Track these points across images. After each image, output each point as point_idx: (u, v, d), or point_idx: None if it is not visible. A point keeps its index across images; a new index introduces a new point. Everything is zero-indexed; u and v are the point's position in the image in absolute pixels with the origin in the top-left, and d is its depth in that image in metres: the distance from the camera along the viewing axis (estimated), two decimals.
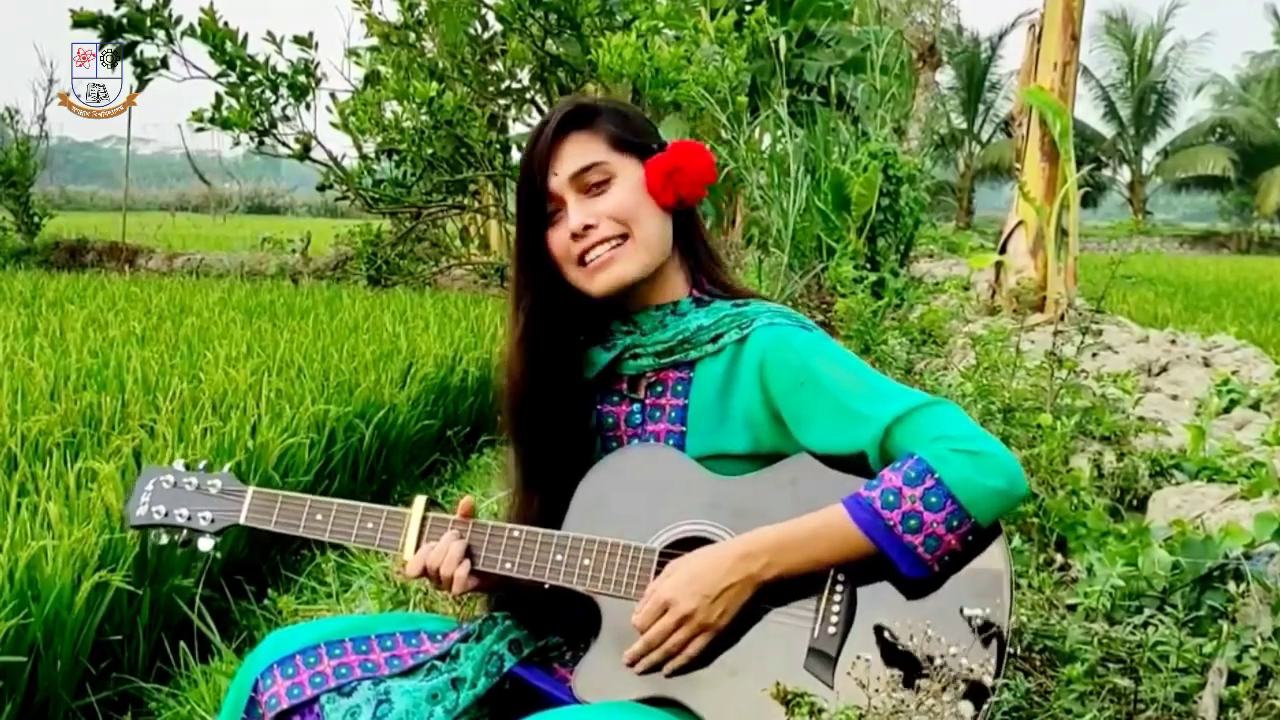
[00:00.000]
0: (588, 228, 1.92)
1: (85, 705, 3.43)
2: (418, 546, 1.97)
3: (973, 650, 1.63)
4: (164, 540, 2.11)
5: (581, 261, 1.94)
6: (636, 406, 2.01)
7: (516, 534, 1.94)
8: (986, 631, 1.67)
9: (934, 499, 1.70)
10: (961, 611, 1.69)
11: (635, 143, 1.97)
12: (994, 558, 1.75)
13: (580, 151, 1.94)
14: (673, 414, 1.97)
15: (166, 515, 2.08)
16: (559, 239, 1.95)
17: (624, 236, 1.93)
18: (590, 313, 2.01)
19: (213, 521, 2.07)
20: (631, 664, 1.80)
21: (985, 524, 1.73)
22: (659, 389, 1.99)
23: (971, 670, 1.60)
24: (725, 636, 1.79)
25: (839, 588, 1.76)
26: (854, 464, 1.80)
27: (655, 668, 1.80)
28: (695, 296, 2.01)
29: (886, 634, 1.70)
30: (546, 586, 1.92)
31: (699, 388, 1.95)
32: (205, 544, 2.09)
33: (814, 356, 1.87)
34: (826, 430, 1.83)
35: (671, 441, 1.96)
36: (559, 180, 1.93)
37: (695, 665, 1.79)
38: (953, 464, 1.71)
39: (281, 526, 2.04)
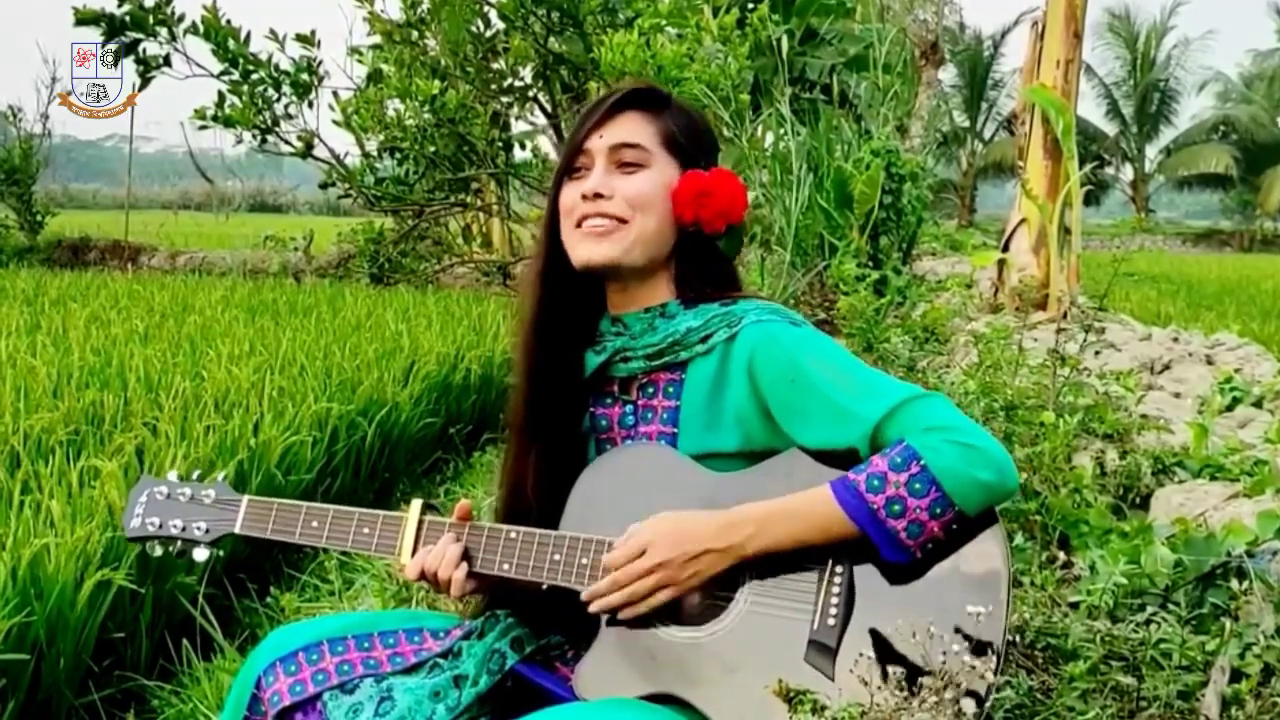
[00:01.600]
0: (598, 195, 1.93)
1: (88, 703, 3.43)
2: (415, 550, 1.97)
3: (974, 647, 1.63)
4: (158, 552, 2.11)
5: (579, 225, 1.95)
6: (629, 408, 2.01)
7: (514, 535, 1.94)
8: (987, 629, 1.67)
9: (918, 485, 1.71)
10: (962, 608, 1.68)
11: (685, 149, 1.99)
12: (993, 555, 1.75)
13: (631, 129, 1.96)
14: (664, 415, 1.97)
15: (161, 527, 2.08)
16: (571, 192, 1.97)
17: (624, 222, 1.93)
18: (586, 293, 2.02)
19: (207, 532, 2.08)
20: (590, 600, 1.83)
21: (970, 513, 1.73)
22: (650, 390, 1.99)
23: (973, 668, 1.60)
24: (707, 615, 1.81)
25: (837, 579, 1.77)
26: (847, 458, 1.80)
27: (612, 612, 1.82)
28: (683, 298, 2.00)
29: (888, 630, 1.70)
30: (545, 587, 1.92)
31: (690, 388, 1.95)
32: (200, 554, 2.09)
33: (803, 352, 1.87)
34: (817, 427, 1.83)
35: (663, 442, 1.96)
36: (599, 143, 1.96)
37: (651, 622, 1.82)
38: (940, 452, 1.72)
39: (276, 534, 2.04)
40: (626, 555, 1.81)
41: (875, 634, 1.72)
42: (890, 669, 1.64)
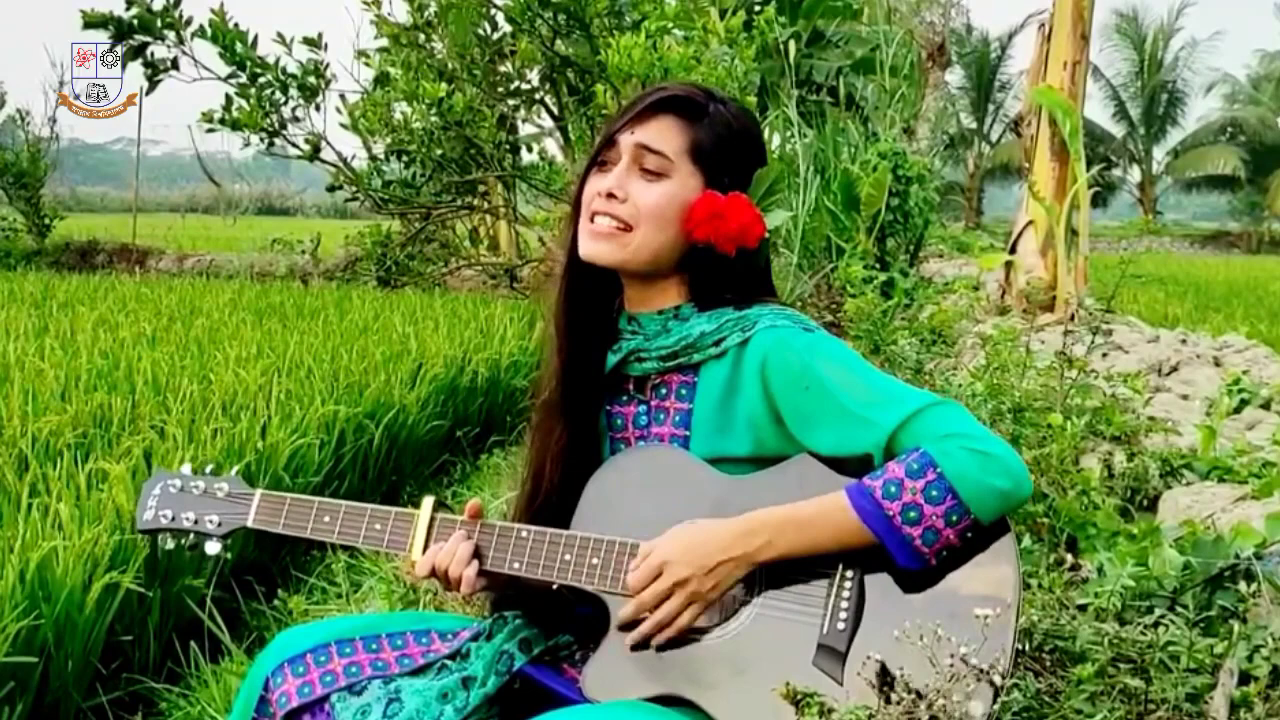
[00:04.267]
0: (611, 196, 1.93)
1: (96, 705, 3.43)
2: (426, 547, 1.97)
3: (982, 650, 1.63)
4: (170, 545, 2.11)
5: (592, 219, 1.95)
6: (642, 408, 2.01)
7: (524, 534, 1.94)
8: (995, 632, 1.67)
9: (935, 492, 1.70)
10: (971, 612, 1.68)
11: (712, 163, 1.95)
12: (1003, 560, 1.75)
13: (662, 134, 1.94)
14: (677, 418, 1.97)
15: (173, 519, 2.08)
16: (593, 184, 1.97)
17: (630, 228, 1.92)
18: (610, 282, 2.02)
19: (220, 525, 2.08)
20: (623, 628, 1.83)
21: (986, 522, 1.73)
22: (663, 391, 1.99)
23: (982, 671, 1.60)
24: (725, 624, 1.81)
25: (847, 583, 1.77)
26: (858, 463, 1.80)
27: (646, 641, 1.82)
28: (697, 301, 1.99)
29: (896, 633, 1.70)
30: (555, 586, 1.92)
31: (703, 391, 1.95)
32: (213, 547, 2.09)
33: (816, 358, 1.86)
34: (831, 433, 1.82)
35: (676, 445, 1.96)
36: (629, 139, 1.94)
37: (687, 643, 1.81)
38: (957, 459, 1.71)
39: (289, 529, 2.04)
40: (645, 577, 1.80)
41: (885, 638, 1.72)
42: (898, 672, 1.64)
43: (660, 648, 1.82)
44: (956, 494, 1.70)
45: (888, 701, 1.61)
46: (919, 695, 1.60)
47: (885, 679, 1.67)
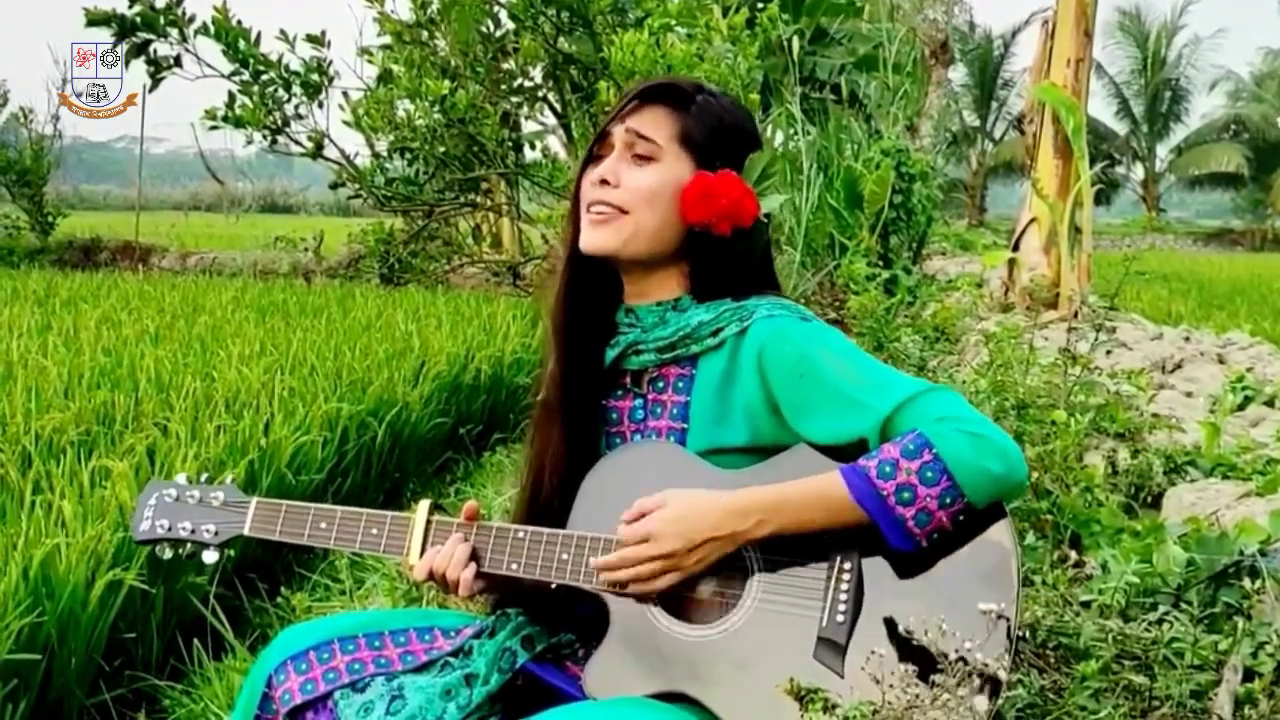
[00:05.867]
0: (604, 182, 1.95)
1: (99, 702, 3.44)
2: (423, 551, 1.97)
3: (986, 645, 1.63)
4: (168, 554, 2.11)
5: (589, 210, 1.97)
6: (639, 402, 2.00)
7: (521, 535, 1.94)
8: (998, 625, 1.66)
9: (930, 474, 1.70)
10: (973, 604, 1.68)
11: (701, 148, 1.96)
12: (1003, 550, 1.74)
13: (649, 121, 1.96)
14: (674, 411, 1.96)
15: (170, 530, 2.08)
16: (589, 177, 1.98)
17: (624, 213, 1.94)
18: (609, 279, 2.03)
19: (216, 534, 2.08)
20: (601, 570, 1.84)
21: (979, 505, 1.73)
22: (660, 384, 1.99)
23: (987, 665, 1.60)
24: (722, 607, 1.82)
25: (845, 575, 1.76)
26: (854, 455, 1.80)
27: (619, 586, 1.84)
28: (696, 293, 1.99)
29: (900, 628, 1.70)
30: (554, 586, 1.92)
31: (701, 384, 1.95)
32: (210, 556, 2.09)
33: (812, 346, 1.87)
34: (826, 420, 1.83)
35: (673, 438, 1.95)
36: (620, 129, 1.97)
37: (659, 621, 1.84)
38: (953, 441, 1.72)
39: (285, 536, 2.04)
40: (631, 538, 1.81)
41: (886, 630, 1.72)
42: (901, 666, 1.63)
43: (642, 625, 1.84)
44: (952, 476, 1.70)
45: (895, 673, 1.61)
46: (929, 685, 1.60)
47: (894, 649, 1.67)
